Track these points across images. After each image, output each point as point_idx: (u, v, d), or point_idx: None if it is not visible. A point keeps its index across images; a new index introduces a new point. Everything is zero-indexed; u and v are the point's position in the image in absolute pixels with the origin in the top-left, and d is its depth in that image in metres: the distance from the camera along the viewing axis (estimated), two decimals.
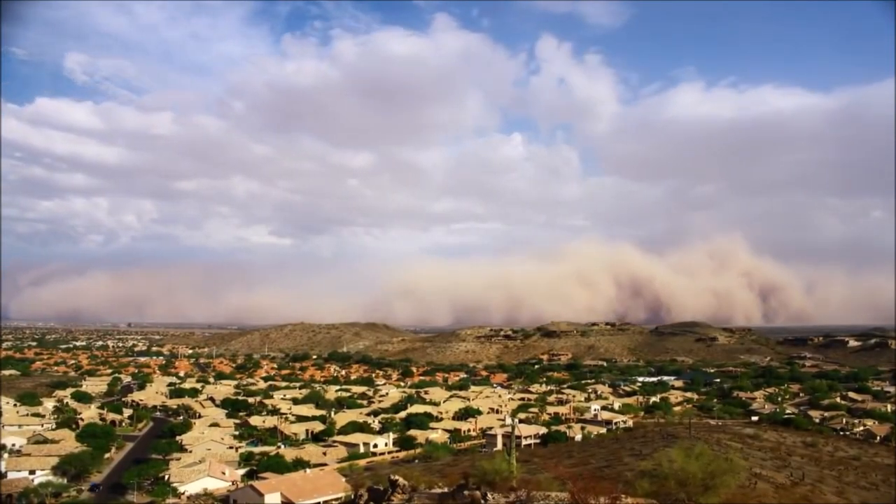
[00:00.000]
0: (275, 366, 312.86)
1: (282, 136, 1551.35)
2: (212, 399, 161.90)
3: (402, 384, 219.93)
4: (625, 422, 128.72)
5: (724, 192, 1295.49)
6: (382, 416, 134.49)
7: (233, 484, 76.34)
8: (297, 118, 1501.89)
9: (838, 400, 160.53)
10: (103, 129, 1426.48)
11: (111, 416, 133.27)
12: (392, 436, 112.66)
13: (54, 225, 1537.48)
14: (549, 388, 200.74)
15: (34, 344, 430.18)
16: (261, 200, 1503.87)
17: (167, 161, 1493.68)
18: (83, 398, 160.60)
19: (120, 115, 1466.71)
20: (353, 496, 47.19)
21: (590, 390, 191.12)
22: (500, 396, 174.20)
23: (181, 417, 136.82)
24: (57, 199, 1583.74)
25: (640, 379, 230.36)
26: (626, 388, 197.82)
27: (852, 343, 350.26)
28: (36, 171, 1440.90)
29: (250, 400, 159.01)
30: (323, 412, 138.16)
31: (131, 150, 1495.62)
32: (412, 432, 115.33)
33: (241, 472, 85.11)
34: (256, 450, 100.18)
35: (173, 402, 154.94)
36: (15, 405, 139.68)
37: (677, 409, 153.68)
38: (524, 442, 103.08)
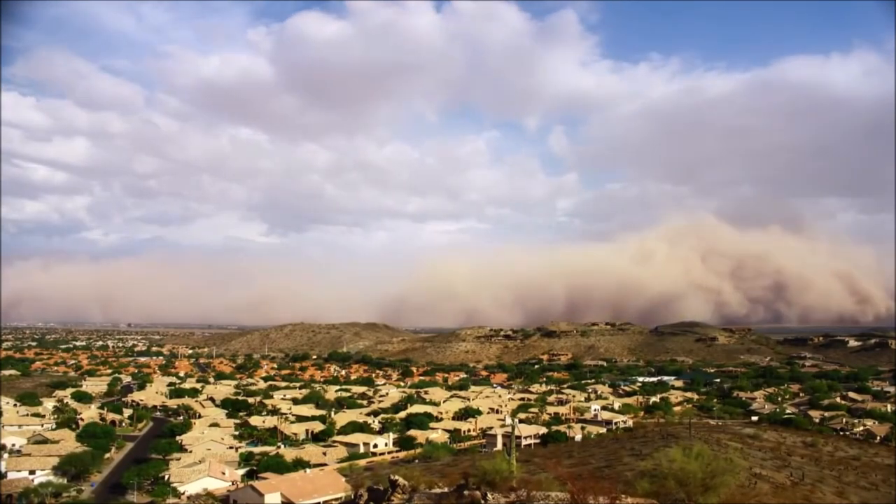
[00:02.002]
0: (275, 366, 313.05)
1: (231, 132, 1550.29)
2: (212, 399, 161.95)
3: (402, 384, 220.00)
4: (625, 422, 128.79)
5: (683, 191, 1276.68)
6: (382, 416, 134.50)
7: (233, 484, 76.31)
8: (239, 113, 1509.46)
9: (838, 400, 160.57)
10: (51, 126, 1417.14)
11: (111, 416, 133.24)
12: (392, 436, 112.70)
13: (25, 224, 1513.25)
14: (549, 388, 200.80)
15: (34, 344, 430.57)
16: (236, 199, 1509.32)
17: (132, 160, 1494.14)
18: (83, 398, 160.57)
19: (66, 113, 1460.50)
20: (353, 496, 47.23)
21: (590, 390, 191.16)
22: (500, 396, 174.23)
23: (181, 417, 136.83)
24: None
25: (640, 379, 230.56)
26: (626, 388, 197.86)
27: (852, 343, 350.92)
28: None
29: (250, 400, 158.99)
30: (323, 412, 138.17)
31: (91, 149, 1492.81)
32: (412, 432, 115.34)
33: (241, 472, 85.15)
34: (256, 450, 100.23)
35: (173, 402, 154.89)
36: (15, 405, 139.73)
37: (677, 409, 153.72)
38: (524, 442, 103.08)
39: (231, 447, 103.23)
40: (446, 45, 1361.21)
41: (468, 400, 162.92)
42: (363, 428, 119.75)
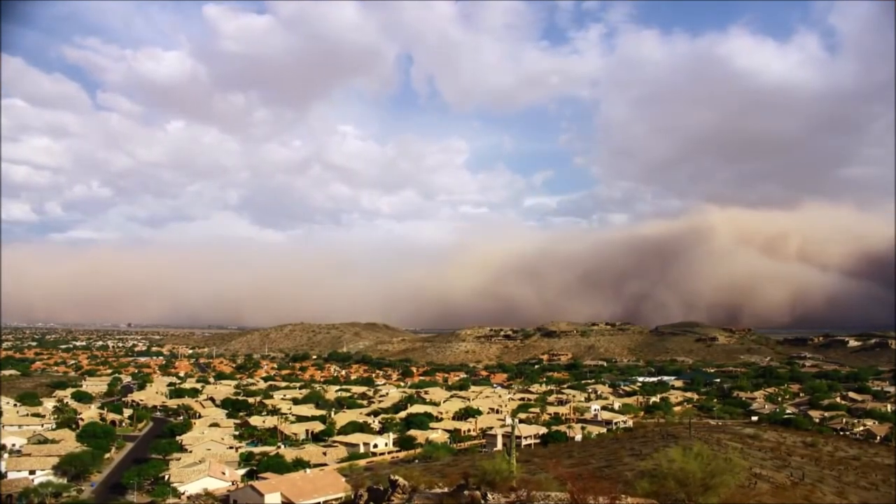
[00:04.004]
0: (275, 366, 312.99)
1: (190, 132, 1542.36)
2: (212, 399, 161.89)
3: (402, 384, 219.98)
4: (625, 422, 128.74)
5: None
6: (382, 416, 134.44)
7: (233, 484, 76.29)
8: (187, 111, 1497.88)
9: (838, 400, 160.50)
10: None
11: (111, 416, 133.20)
12: (392, 436, 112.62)
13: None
14: (549, 388, 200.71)
15: (34, 344, 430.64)
16: (212, 196, 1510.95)
17: (100, 159, 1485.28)
18: (83, 398, 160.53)
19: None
20: (353, 496, 47.26)
21: (590, 390, 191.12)
22: (500, 396, 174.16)
23: (181, 417, 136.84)
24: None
25: (640, 379, 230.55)
26: (626, 388, 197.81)
27: (852, 343, 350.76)
28: None
29: (250, 400, 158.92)
30: (323, 412, 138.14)
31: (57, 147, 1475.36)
32: (412, 432, 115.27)
33: (241, 472, 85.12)
34: (256, 450, 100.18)
35: (173, 402, 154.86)
36: (15, 405, 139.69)
37: (677, 409, 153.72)
38: (524, 442, 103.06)
39: (231, 447, 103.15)
40: (374, 36, 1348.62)
41: (468, 400, 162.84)
42: (363, 428, 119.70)
